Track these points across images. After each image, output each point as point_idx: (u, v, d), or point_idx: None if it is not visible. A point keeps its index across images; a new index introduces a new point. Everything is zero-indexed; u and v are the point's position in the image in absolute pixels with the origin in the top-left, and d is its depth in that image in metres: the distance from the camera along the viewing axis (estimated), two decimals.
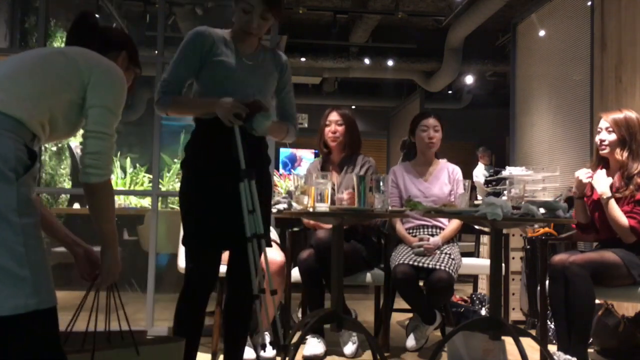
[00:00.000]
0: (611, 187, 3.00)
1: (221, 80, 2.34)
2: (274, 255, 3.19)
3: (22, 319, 1.45)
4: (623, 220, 2.92)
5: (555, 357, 2.81)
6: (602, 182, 3.00)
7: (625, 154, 2.99)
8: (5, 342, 1.47)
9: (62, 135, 1.78)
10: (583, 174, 3.05)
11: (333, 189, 3.34)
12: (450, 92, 10.96)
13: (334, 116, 3.49)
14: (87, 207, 1.78)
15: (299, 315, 3.73)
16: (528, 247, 4.03)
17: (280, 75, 2.51)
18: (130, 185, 6.24)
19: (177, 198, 5.34)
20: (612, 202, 2.95)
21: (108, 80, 1.73)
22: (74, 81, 1.69)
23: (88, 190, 1.74)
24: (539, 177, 4.12)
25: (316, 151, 7.60)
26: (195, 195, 2.33)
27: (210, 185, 2.31)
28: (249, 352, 3.10)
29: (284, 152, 11.08)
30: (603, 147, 3.05)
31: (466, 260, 3.50)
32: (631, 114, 3.04)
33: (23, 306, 1.44)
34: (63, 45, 5.64)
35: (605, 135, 3.04)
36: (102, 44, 1.86)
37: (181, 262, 3.40)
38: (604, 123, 3.06)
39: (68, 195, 6.08)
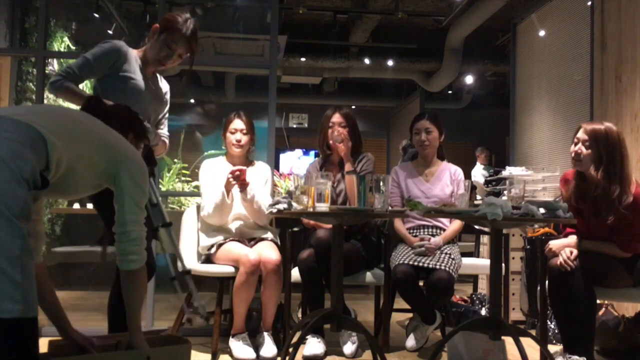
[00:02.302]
0: (586, 209, 2.91)
1: (130, 99, 2.55)
2: (270, 254, 3.20)
3: (3, 324, 1.43)
4: (612, 250, 2.87)
5: (561, 357, 2.81)
6: (562, 245, 2.89)
7: (601, 174, 2.79)
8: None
9: (67, 189, 1.83)
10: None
11: (333, 187, 3.35)
12: (450, 92, 10.95)
13: (336, 118, 3.47)
14: (123, 290, 1.95)
15: (299, 315, 3.74)
16: (528, 247, 4.03)
17: (165, 102, 2.89)
18: None
19: (177, 198, 5.37)
20: (586, 243, 2.88)
21: (139, 174, 1.92)
22: (111, 152, 1.85)
23: (129, 276, 1.91)
24: (539, 177, 4.14)
25: (316, 151, 7.60)
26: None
27: None
28: (249, 352, 3.10)
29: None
30: (576, 161, 2.89)
31: (466, 260, 3.50)
32: (613, 128, 2.84)
33: (8, 311, 1.42)
34: (62, 47, 5.57)
35: (582, 148, 2.85)
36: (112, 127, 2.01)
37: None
38: (582, 135, 2.86)
39: None
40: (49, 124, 1.68)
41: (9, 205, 1.46)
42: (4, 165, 1.49)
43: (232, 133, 3.45)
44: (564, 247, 2.88)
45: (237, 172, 3.26)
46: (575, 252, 2.86)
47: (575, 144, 2.91)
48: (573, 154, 2.91)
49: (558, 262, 2.84)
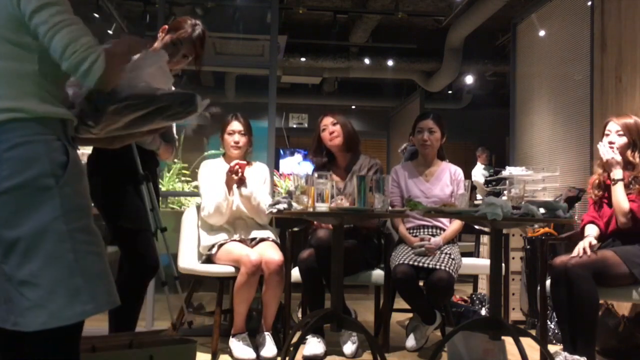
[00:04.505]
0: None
1: None
2: (272, 254, 3.20)
3: (80, 325, 1.50)
4: (625, 204, 2.96)
5: (561, 356, 2.81)
6: (616, 170, 3.02)
7: (638, 157, 3.03)
8: (64, 349, 1.49)
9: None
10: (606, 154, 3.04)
11: (339, 188, 3.35)
12: (450, 92, 10.94)
13: (327, 120, 3.51)
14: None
15: (299, 315, 3.74)
16: (528, 247, 4.03)
17: None
18: None
19: (177, 198, 5.37)
20: (621, 186, 2.99)
21: None
22: (7, 18, 1.50)
23: (98, 88, 1.55)
24: (539, 177, 4.14)
25: None
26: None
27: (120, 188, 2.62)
28: (249, 352, 3.10)
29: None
30: (612, 150, 3.05)
31: (466, 260, 3.50)
32: (639, 120, 3.10)
33: (81, 313, 1.45)
34: None
35: (615, 138, 3.06)
36: None
37: (181, 262, 3.41)
38: (614, 126, 3.08)
39: None
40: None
41: (46, 216, 1.44)
42: (16, 190, 1.44)
43: (230, 134, 3.46)
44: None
45: (237, 167, 3.29)
46: (594, 242, 2.96)
47: (607, 136, 3.10)
48: (607, 144, 3.07)
49: (580, 249, 2.91)
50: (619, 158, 3.02)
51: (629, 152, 3.05)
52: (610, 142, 3.05)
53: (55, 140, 1.50)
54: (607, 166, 3.05)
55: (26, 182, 1.44)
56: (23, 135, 1.46)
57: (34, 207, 1.44)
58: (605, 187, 3.12)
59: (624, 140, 3.05)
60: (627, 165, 3.05)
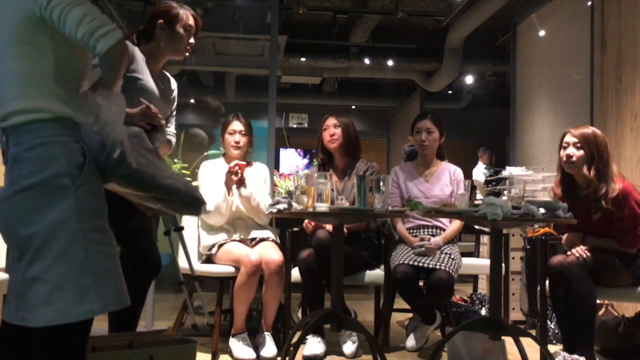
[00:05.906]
0: (578, 211, 2.90)
1: (138, 100, 2.42)
2: (272, 254, 3.20)
3: (87, 324, 1.52)
4: (611, 244, 2.92)
5: (560, 357, 2.81)
6: (570, 243, 3.01)
7: (593, 173, 2.88)
8: (69, 348, 1.50)
9: (80, 66, 1.65)
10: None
11: (337, 190, 3.35)
12: (450, 92, 10.93)
13: (330, 120, 3.50)
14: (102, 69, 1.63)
15: (299, 315, 3.74)
16: (528, 247, 4.03)
17: (173, 100, 2.81)
18: None
19: None
20: (590, 240, 2.95)
21: None
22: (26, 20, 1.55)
23: (106, 58, 1.57)
24: (539, 177, 4.15)
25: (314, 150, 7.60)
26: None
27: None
28: (249, 352, 3.11)
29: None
30: (569, 163, 2.94)
31: (466, 260, 3.50)
32: (598, 132, 2.96)
33: (88, 311, 1.47)
34: None
35: (573, 151, 2.93)
36: None
37: (181, 262, 3.41)
38: (571, 138, 2.95)
39: None
40: (16, 97, 1.54)
41: (60, 215, 1.47)
42: (34, 188, 1.48)
43: (231, 134, 3.46)
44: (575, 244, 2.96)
45: (236, 168, 3.29)
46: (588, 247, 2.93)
47: (565, 148, 2.97)
48: (565, 158, 2.96)
49: (575, 253, 2.88)
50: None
51: (584, 167, 2.90)
52: (569, 155, 2.93)
53: (74, 142, 1.53)
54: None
55: (43, 181, 1.47)
56: (42, 137, 1.51)
57: (49, 205, 1.47)
58: (567, 198, 2.97)
59: (581, 153, 2.91)
60: (586, 182, 2.91)
